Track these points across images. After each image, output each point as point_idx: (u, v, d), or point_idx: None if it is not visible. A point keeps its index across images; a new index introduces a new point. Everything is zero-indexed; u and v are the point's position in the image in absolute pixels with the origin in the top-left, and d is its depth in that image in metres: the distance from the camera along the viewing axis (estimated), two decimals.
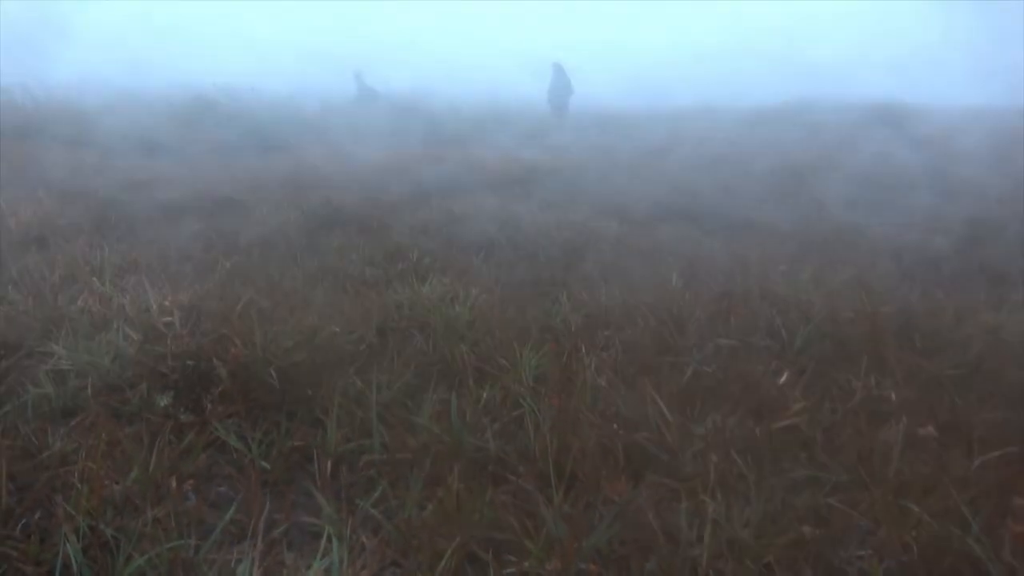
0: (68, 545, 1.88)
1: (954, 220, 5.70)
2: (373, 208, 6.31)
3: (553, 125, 14.58)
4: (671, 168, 8.68)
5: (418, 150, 9.96)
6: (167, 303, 3.19)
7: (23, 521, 2.06)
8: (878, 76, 22.37)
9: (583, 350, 3.11)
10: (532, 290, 4.42)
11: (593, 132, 13.24)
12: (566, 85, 16.13)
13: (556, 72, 16.16)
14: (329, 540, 1.99)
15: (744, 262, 4.22)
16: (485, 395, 2.87)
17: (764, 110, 17.58)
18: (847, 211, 6.51)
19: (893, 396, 2.68)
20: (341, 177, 7.58)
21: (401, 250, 5.16)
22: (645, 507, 2.06)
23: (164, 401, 2.68)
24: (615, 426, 2.43)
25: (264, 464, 2.42)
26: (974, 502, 2.10)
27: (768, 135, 12.51)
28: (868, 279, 3.96)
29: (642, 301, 3.64)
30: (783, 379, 2.77)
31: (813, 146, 10.59)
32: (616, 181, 7.96)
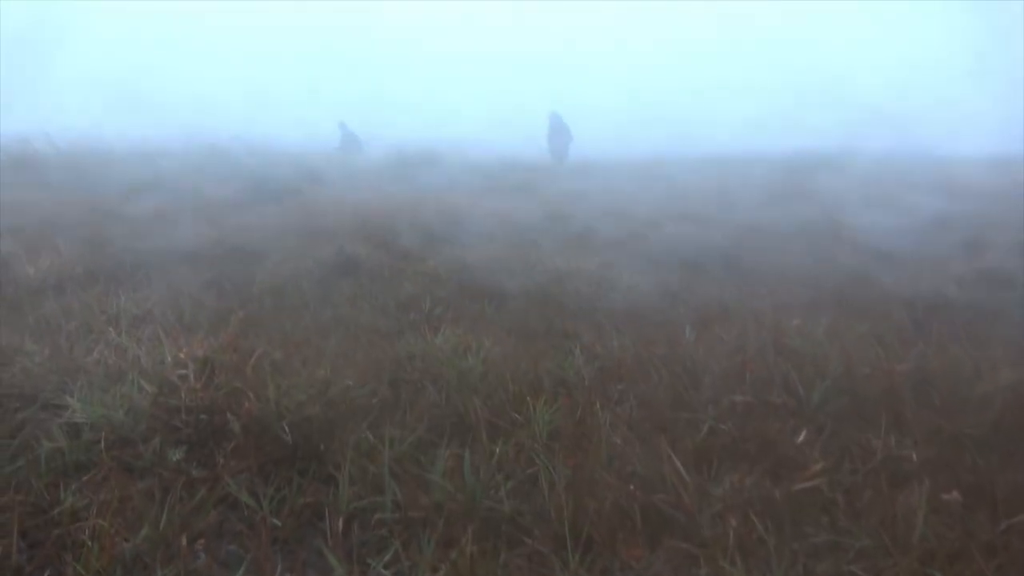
0: None
1: (969, 270, 5.68)
2: (385, 255, 6.36)
3: (554, 171, 14.83)
4: (684, 214, 8.73)
5: (424, 196, 10.09)
6: (182, 355, 3.19)
7: None
8: (905, 124, 22.72)
9: (597, 405, 3.08)
10: (545, 340, 4.42)
11: (598, 178, 13.37)
12: (565, 133, 16.91)
13: (554, 121, 16.98)
14: None
15: (757, 313, 4.20)
16: (498, 450, 2.84)
17: (777, 158, 17.78)
18: (859, 259, 6.51)
19: (914, 456, 2.64)
20: (352, 224, 7.66)
21: (413, 299, 5.19)
22: (663, 573, 2.02)
23: (176, 455, 2.67)
24: (631, 487, 2.40)
25: (275, 521, 2.40)
26: (1001, 569, 2.05)
27: (780, 182, 12.61)
28: (883, 332, 3.93)
29: (655, 353, 3.63)
30: (801, 438, 2.73)
31: (825, 195, 10.65)
32: (626, 227, 8.00)
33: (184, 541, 2.21)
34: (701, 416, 2.97)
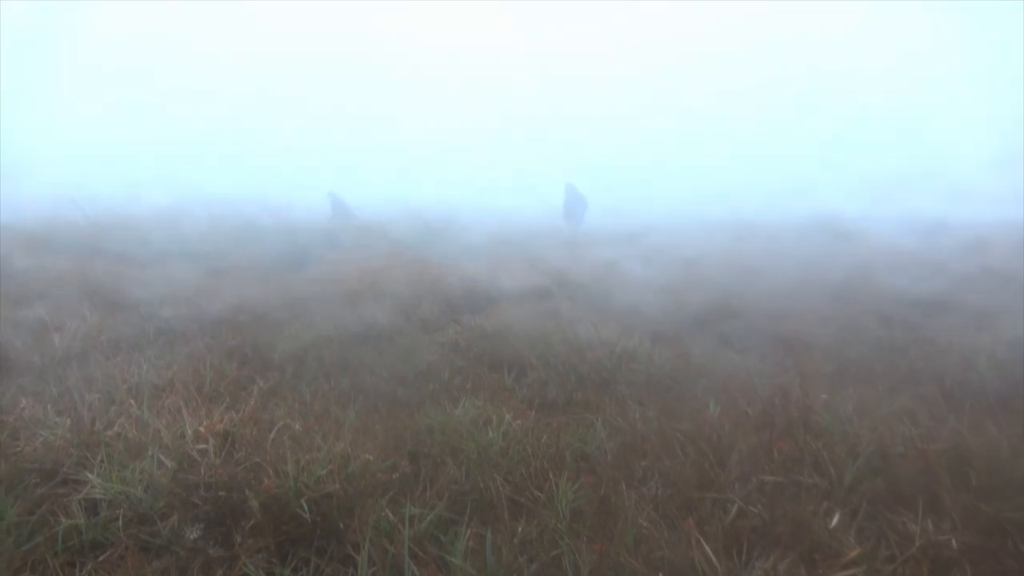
0: None
1: (997, 342, 5.57)
2: (404, 323, 6.38)
3: (570, 239, 14.99)
4: (699, 282, 8.71)
5: (442, 262, 10.17)
6: (202, 429, 3.18)
7: None
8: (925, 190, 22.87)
9: (622, 484, 3.01)
10: (565, 411, 4.37)
11: (616, 246, 13.45)
12: (580, 202, 17.36)
13: (569, 191, 17.44)
14: None
15: (782, 386, 4.12)
16: (521, 531, 2.77)
17: (794, 224, 17.86)
18: (884, 328, 6.42)
19: (954, 543, 2.53)
20: (370, 291, 7.72)
21: (433, 368, 5.17)
22: None
23: (194, 534, 2.63)
24: (660, 575, 2.31)
25: None
26: None
27: (796, 249, 12.60)
28: (913, 406, 3.83)
29: (679, 429, 3.56)
30: (835, 521, 2.63)
31: (844, 262, 10.61)
32: (645, 294, 7.99)
33: None
34: (729, 496, 2.88)
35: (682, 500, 2.91)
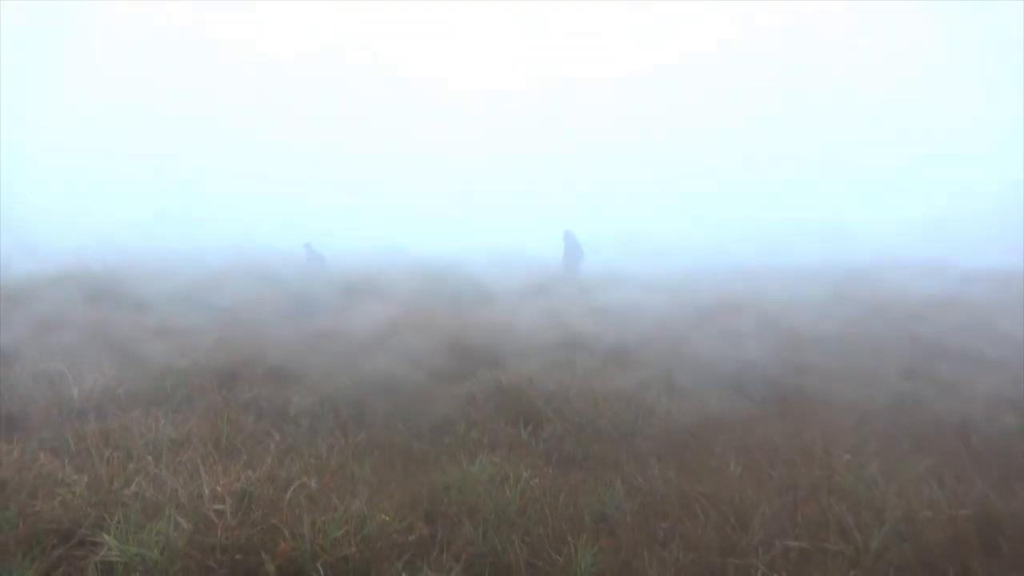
0: None
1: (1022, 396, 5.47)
2: (419, 374, 6.37)
3: (582, 287, 15.07)
4: (713, 333, 8.65)
5: (454, 311, 10.19)
6: (219, 488, 3.17)
7: None
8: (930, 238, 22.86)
9: (642, 548, 2.95)
10: (583, 468, 4.32)
11: (628, 293, 13.44)
12: (578, 250, 17.69)
13: (568, 239, 17.79)
14: None
15: (804, 445, 4.07)
16: None
17: (803, 272, 17.79)
18: (906, 379, 6.33)
19: None
20: (385, 341, 7.73)
21: (448, 421, 5.15)
22: None
23: None
24: None
25: None
26: None
27: (809, 298, 12.53)
28: (939, 467, 3.75)
29: (699, 490, 3.50)
30: None
31: (861, 308, 10.52)
32: (660, 345, 7.94)
33: None
34: (753, 563, 2.82)
35: (704, 566, 2.85)
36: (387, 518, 3.21)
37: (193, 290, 11.25)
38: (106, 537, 2.85)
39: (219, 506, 3.05)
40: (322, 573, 2.74)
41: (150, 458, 3.79)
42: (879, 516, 3.02)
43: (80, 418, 4.77)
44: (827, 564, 2.74)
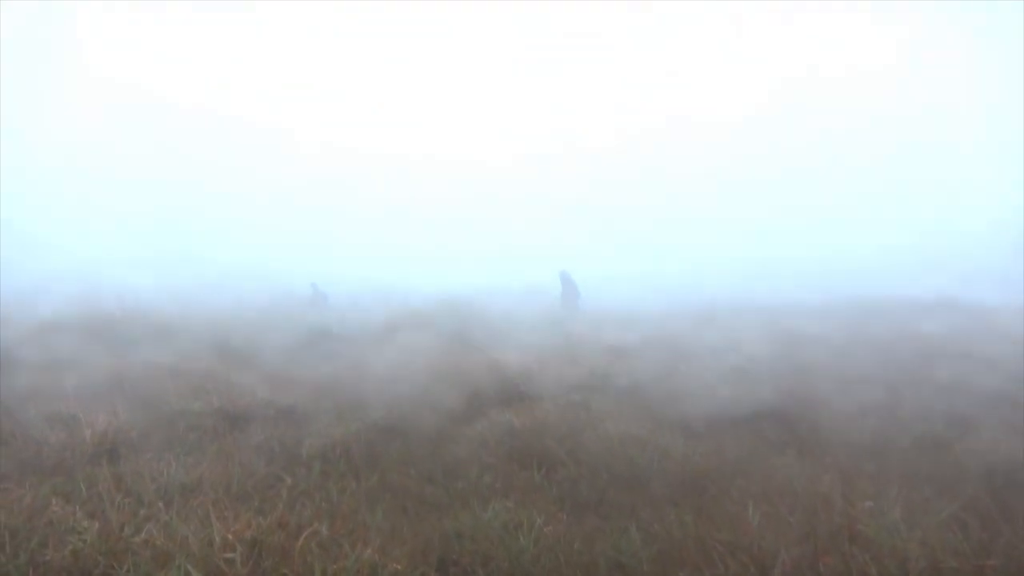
0: None
1: None
2: (432, 416, 6.33)
3: (592, 326, 15.12)
4: (727, 371, 8.57)
5: (464, 351, 10.16)
6: (230, 536, 3.14)
7: None
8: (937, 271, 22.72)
9: None
10: (598, 513, 4.25)
11: (638, 332, 13.38)
12: (574, 289, 18.10)
13: (564, 279, 18.23)
14: None
15: (823, 490, 3.99)
16: None
17: (812, 308, 17.69)
18: (925, 421, 6.21)
19: None
20: (397, 382, 7.72)
21: (461, 464, 5.10)
22: None
23: None
24: None
25: None
26: None
27: (825, 332, 12.43)
28: (964, 514, 3.65)
29: (718, 537, 3.43)
30: None
31: (876, 347, 10.41)
32: (672, 385, 7.87)
33: None
34: None
35: None
36: (399, 567, 3.17)
37: (206, 330, 11.33)
38: None
39: (229, 554, 3.02)
40: None
41: (161, 504, 3.76)
42: (903, 566, 2.94)
43: (92, 462, 4.76)
44: None
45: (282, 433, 5.59)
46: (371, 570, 3.09)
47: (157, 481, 4.34)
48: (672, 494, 4.41)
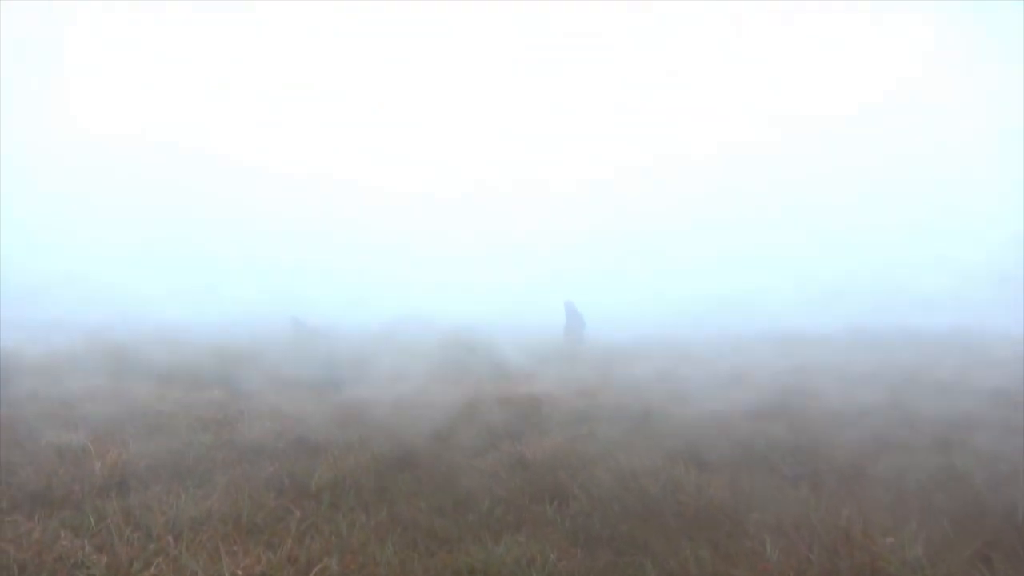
0: None
1: None
2: (442, 448, 6.28)
3: (573, 356, 15.07)
4: (740, 402, 8.49)
5: (472, 380, 10.13)
6: (239, 572, 3.10)
7: None
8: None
9: None
10: (611, 549, 4.17)
11: (645, 363, 13.32)
12: (579, 319, 17.99)
13: (569, 309, 18.14)
14: None
15: (842, 525, 3.91)
16: None
17: (831, 332, 17.58)
18: (942, 453, 6.11)
19: None
20: (408, 413, 7.68)
21: (471, 497, 5.04)
22: None
23: None
24: None
25: None
26: None
27: (837, 362, 12.32)
28: (987, 550, 3.57)
29: (735, 575, 3.36)
30: None
31: (889, 377, 10.30)
32: (683, 416, 7.80)
33: None
34: None
35: None
36: None
37: (213, 362, 11.34)
38: None
39: None
40: None
41: (170, 538, 3.73)
42: None
43: (102, 494, 4.73)
44: None
45: (291, 465, 5.55)
46: None
47: (166, 514, 4.30)
48: (686, 528, 4.33)
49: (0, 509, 4.39)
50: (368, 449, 6.01)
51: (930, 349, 15.49)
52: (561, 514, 4.71)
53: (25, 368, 9.47)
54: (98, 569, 3.24)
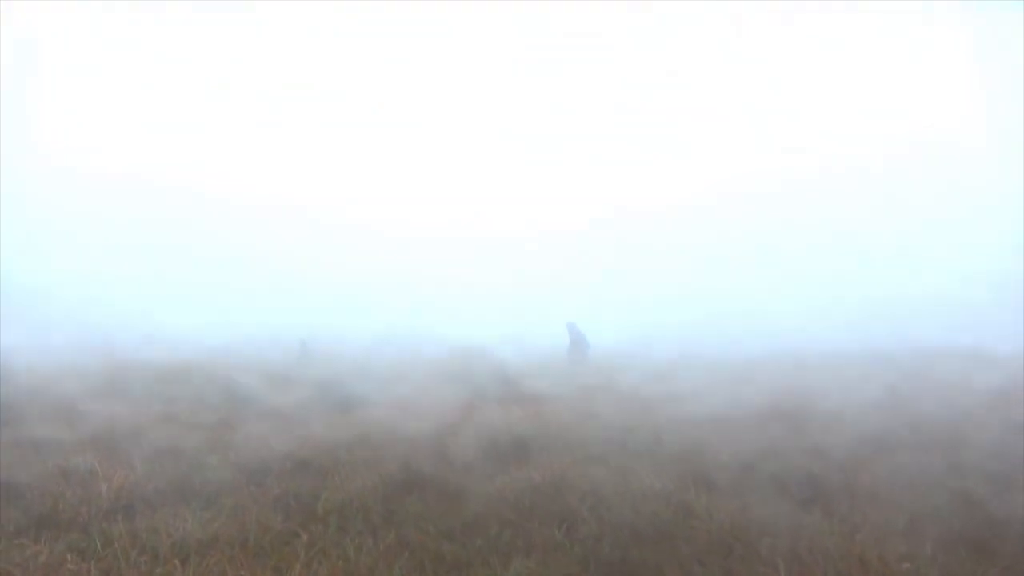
0: None
1: None
2: (449, 471, 6.23)
3: (577, 375, 15.04)
4: (752, 425, 8.41)
5: (479, 403, 10.06)
6: None
7: None
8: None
9: None
10: (622, 575, 4.12)
11: (656, 386, 13.24)
12: (583, 341, 18.04)
13: (572, 330, 18.19)
14: None
15: (857, 550, 3.85)
16: None
17: (843, 353, 17.45)
18: (957, 476, 6.03)
19: None
20: (416, 435, 7.64)
21: (480, 520, 4.98)
22: None
23: None
24: None
25: None
26: None
27: (848, 384, 12.23)
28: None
29: None
30: None
31: (893, 403, 10.21)
32: (695, 438, 7.73)
33: None
34: None
35: None
36: None
37: (220, 383, 11.32)
38: None
39: None
40: None
41: (177, 562, 3.70)
42: None
43: (108, 517, 4.70)
44: None
45: (298, 487, 5.52)
46: None
47: (173, 537, 4.27)
48: (698, 553, 4.28)
49: (7, 532, 4.37)
50: (375, 471, 5.97)
51: (934, 361, 15.40)
52: (571, 538, 4.66)
53: (32, 391, 9.48)
54: None
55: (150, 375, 11.39)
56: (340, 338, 21.70)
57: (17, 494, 5.01)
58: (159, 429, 7.49)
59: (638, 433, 7.64)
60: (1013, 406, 9.19)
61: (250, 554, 4.07)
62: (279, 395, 10.52)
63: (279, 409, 9.43)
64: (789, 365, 16.11)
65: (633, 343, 24.69)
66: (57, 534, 4.30)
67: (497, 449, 6.80)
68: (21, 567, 3.56)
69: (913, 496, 5.54)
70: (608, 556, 4.37)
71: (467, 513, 5.14)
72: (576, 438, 7.41)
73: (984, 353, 16.90)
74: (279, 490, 5.44)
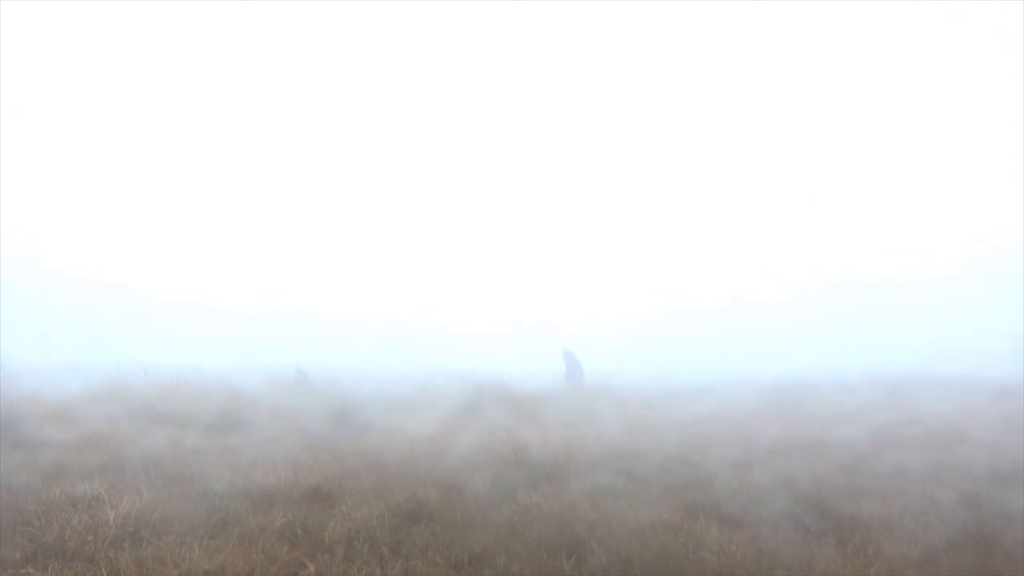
0: None
1: None
2: (457, 499, 6.19)
3: (583, 402, 15.01)
4: (760, 455, 8.35)
5: (486, 429, 10.01)
6: None
7: None
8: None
9: None
10: None
11: (660, 410, 13.18)
12: (578, 366, 18.35)
13: (568, 357, 18.51)
14: None
15: None
16: None
17: (846, 382, 17.35)
18: (970, 508, 5.96)
19: None
20: (423, 461, 7.61)
21: (487, 551, 4.94)
22: None
23: None
24: None
25: None
26: None
27: (856, 413, 12.14)
28: None
29: None
30: None
31: (911, 429, 10.13)
32: (699, 466, 7.67)
33: None
34: None
35: None
36: None
37: (229, 407, 11.30)
38: None
39: None
40: None
41: None
42: None
43: (115, 545, 4.68)
44: None
45: (305, 515, 5.49)
46: None
47: (179, 567, 4.26)
48: None
49: (13, 561, 4.35)
50: (382, 499, 5.94)
51: (948, 391, 15.27)
52: (579, 570, 4.62)
53: (40, 414, 9.48)
54: None
55: (176, 401, 11.41)
56: (349, 368, 21.64)
57: (24, 522, 4.99)
58: (168, 455, 7.46)
59: (645, 461, 7.59)
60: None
61: None
62: (285, 422, 10.50)
63: (286, 435, 9.41)
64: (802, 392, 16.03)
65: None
66: (63, 563, 4.28)
67: (505, 478, 6.75)
68: None
69: (926, 528, 5.47)
70: None
71: (475, 544, 5.09)
72: (583, 464, 7.36)
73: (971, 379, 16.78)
74: (285, 518, 5.41)
